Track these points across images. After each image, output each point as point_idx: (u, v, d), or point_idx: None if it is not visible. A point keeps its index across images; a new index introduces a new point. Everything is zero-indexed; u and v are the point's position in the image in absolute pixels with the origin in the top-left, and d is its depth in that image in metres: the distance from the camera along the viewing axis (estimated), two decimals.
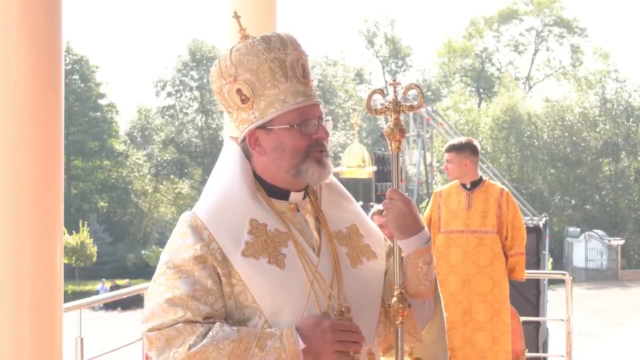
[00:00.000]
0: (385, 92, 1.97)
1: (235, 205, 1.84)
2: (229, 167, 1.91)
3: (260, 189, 1.89)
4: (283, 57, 1.84)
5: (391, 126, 1.90)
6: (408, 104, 1.93)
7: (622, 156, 43.07)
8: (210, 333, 1.71)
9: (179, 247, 1.81)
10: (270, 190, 1.90)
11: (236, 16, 1.92)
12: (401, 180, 1.93)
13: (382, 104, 1.97)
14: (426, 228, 1.89)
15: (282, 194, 1.90)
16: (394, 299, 1.86)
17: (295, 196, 1.92)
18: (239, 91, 1.85)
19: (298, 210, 1.92)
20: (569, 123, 43.16)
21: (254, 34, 1.89)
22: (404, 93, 1.97)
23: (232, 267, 1.79)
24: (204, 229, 1.81)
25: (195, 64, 49.17)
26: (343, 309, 1.83)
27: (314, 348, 1.74)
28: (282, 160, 1.85)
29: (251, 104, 1.85)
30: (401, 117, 1.93)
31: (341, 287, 1.86)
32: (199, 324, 1.73)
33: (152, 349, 1.75)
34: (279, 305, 1.78)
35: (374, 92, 1.96)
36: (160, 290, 1.78)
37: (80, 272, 36.51)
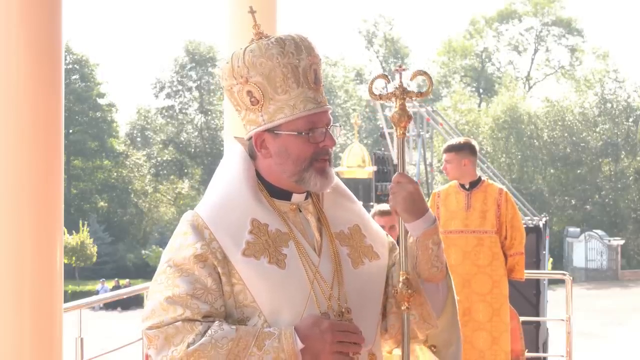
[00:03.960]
0: (390, 79, 1.95)
1: (236, 204, 1.84)
2: (232, 167, 1.92)
3: (263, 189, 1.89)
4: (296, 63, 1.82)
5: (398, 112, 1.89)
6: (416, 91, 1.92)
7: (622, 156, 43.06)
8: (209, 332, 1.71)
9: (180, 245, 1.81)
10: (273, 191, 1.90)
11: (252, 11, 1.91)
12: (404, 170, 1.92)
13: (379, 93, 1.95)
14: (430, 210, 1.90)
15: (284, 195, 1.91)
16: (400, 284, 1.86)
17: (297, 197, 1.92)
18: (249, 93, 1.84)
19: (300, 211, 1.92)
20: (569, 123, 43.16)
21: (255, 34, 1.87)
22: (410, 79, 1.96)
23: (232, 266, 1.79)
24: (205, 228, 1.81)
25: (193, 65, 49.17)
26: (343, 310, 1.83)
27: (313, 348, 1.74)
28: (285, 166, 1.86)
29: (260, 107, 1.84)
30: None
31: (342, 287, 1.86)
32: (198, 322, 1.73)
33: (151, 347, 1.75)
34: (279, 305, 1.78)
35: (377, 77, 1.95)
36: (160, 288, 1.78)
37: (80, 272, 36.52)
